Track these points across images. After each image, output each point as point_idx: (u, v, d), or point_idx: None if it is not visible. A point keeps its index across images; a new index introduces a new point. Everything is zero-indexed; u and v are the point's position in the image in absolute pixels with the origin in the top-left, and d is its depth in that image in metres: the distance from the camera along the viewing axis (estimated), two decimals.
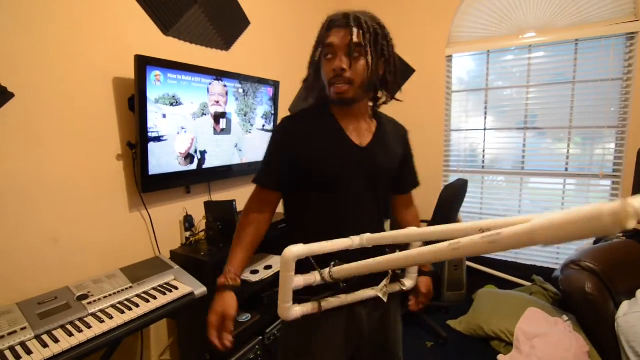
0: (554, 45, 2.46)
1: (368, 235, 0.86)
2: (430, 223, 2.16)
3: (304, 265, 0.84)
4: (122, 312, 1.18)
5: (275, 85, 2.23)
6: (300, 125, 0.99)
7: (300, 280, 0.84)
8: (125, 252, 1.57)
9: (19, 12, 1.21)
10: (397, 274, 1.01)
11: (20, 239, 1.25)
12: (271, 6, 2.36)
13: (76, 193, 1.40)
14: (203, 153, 1.81)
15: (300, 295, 0.86)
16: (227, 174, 2.00)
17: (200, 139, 1.78)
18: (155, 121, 1.53)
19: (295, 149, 0.96)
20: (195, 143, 1.75)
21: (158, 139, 1.56)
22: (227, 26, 2.02)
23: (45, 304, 1.17)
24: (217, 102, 1.85)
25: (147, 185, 1.57)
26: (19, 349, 0.98)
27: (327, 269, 0.84)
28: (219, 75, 1.82)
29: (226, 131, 1.94)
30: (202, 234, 1.84)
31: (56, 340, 1.02)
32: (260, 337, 1.96)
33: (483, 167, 2.82)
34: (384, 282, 0.92)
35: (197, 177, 1.82)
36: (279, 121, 2.28)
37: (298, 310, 0.87)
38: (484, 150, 2.81)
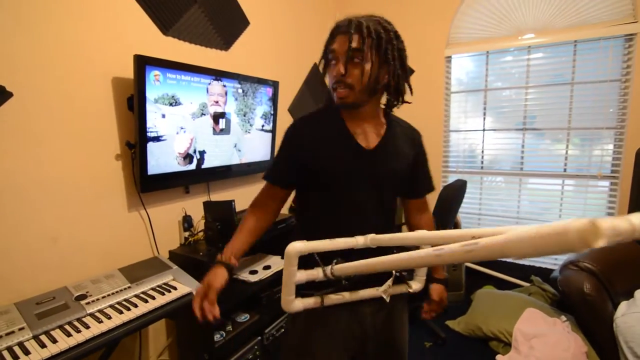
0: (553, 46, 2.47)
1: (372, 235, 0.87)
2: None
3: (309, 262, 0.87)
4: (121, 313, 1.18)
5: (275, 85, 2.23)
6: (309, 126, 1.02)
7: (303, 275, 0.87)
8: (124, 252, 1.57)
9: (19, 11, 1.21)
10: (403, 276, 1.01)
11: (19, 239, 1.25)
12: (270, 6, 2.36)
13: (75, 193, 1.40)
14: (202, 153, 1.81)
15: (304, 290, 0.91)
16: (226, 174, 2.00)
17: (200, 139, 1.78)
18: (155, 121, 1.53)
19: (302, 150, 0.99)
20: (194, 143, 1.75)
21: (157, 138, 1.55)
22: (226, 26, 2.02)
23: (43, 304, 1.17)
24: (217, 102, 1.85)
25: (146, 185, 1.56)
26: (17, 349, 0.98)
27: (330, 266, 0.86)
28: (218, 75, 1.82)
29: (225, 131, 1.93)
30: (201, 234, 1.84)
31: (54, 341, 1.02)
32: (259, 338, 1.96)
33: (482, 167, 2.83)
34: (388, 282, 0.91)
35: (196, 177, 1.82)
36: (278, 121, 2.30)
37: (300, 304, 0.90)
38: (482, 151, 2.81)
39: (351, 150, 0.98)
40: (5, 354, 0.95)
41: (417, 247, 0.91)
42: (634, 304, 1.63)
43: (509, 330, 2.02)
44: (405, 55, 0.97)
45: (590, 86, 2.40)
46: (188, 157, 1.73)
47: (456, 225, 2.62)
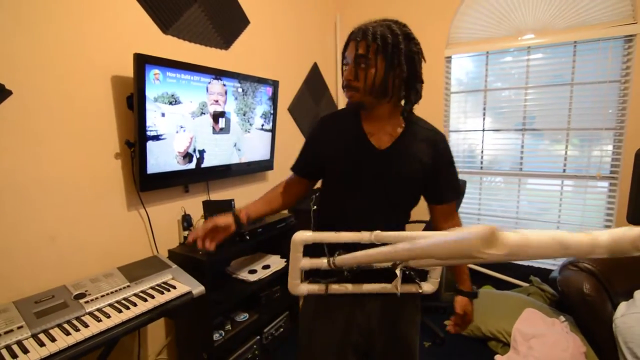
0: (553, 47, 2.47)
1: (377, 232, 0.88)
2: (428, 223, 2.16)
3: (316, 251, 0.95)
4: (120, 311, 1.18)
5: (275, 84, 2.23)
6: (329, 124, 1.11)
7: (307, 262, 0.95)
8: (123, 251, 1.56)
9: (18, 10, 1.21)
10: (412, 275, 1.00)
11: (18, 237, 1.25)
12: (271, 5, 2.36)
13: (74, 191, 1.39)
14: (202, 152, 1.81)
15: (311, 277, 1.01)
16: (225, 173, 1.99)
17: (199, 138, 1.78)
18: (154, 120, 1.53)
19: (320, 145, 1.09)
20: (194, 142, 1.75)
21: (157, 137, 1.55)
22: (226, 25, 2.02)
23: (42, 303, 1.17)
24: (216, 101, 1.84)
25: (146, 184, 1.56)
26: (15, 347, 0.97)
27: (332, 257, 0.93)
28: (218, 74, 1.82)
29: (225, 130, 1.93)
30: None
31: (53, 339, 1.02)
32: (258, 337, 1.96)
33: (481, 168, 2.83)
34: (397, 279, 0.93)
35: (195, 176, 1.82)
36: (277, 121, 2.30)
37: (304, 288, 1.00)
38: (482, 151, 2.81)
39: (363, 149, 1.02)
40: (4, 352, 0.95)
41: None
42: (634, 305, 1.63)
43: (508, 331, 2.03)
44: (418, 57, 0.96)
45: (590, 87, 2.40)
46: (188, 156, 1.73)
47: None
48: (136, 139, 1.49)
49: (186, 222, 1.80)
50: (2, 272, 1.22)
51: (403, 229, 1.09)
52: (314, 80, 2.89)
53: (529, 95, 2.59)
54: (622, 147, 2.31)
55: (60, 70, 1.33)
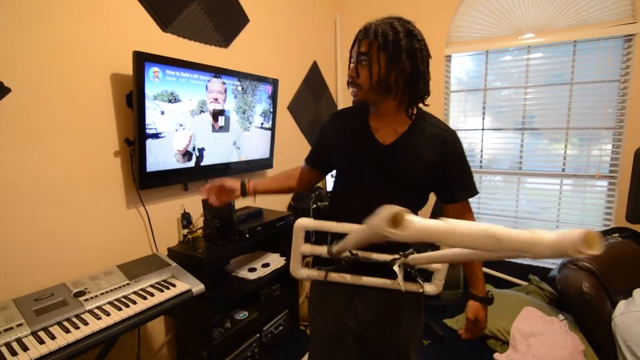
0: (553, 46, 2.47)
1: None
2: None
3: (321, 240, 1.02)
4: (119, 309, 1.17)
5: (274, 83, 2.23)
6: (338, 119, 1.15)
7: (308, 248, 1.01)
8: (123, 249, 1.56)
9: (18, 8, 1.20)
10: (412, 274, 1.00)
11: (17, 236, 1.24)
12: (270, 3, 2.35)
13: (73, 189, 1.39)
14: (201, 150, 1.81)
15: (317, 265, 1.07)
16: (225, 171, 1.99)
17: (199, 136, 1.77)
18: (154, 118, 1.52)
19: (328, 139, 1.14)
20: (193, 140, 1.75)
21: (156, 135, 1.55)
22: (226, 23, 2.02)
23: (41, 301, 1.17)
24: (216, 99, 1.84)
25: (145, 182, 1.56)
26: (15, 345, 0.97)
27: (331, 246, 0.97)
28: (218, 72, 1.82)
29: (224, 129, 1.93)
30: (200, 231, 1.83)
31: (52, 337, 1.02)
32: (258, 335, 1.96)
33: (481, 167, 2.83)
34: (399, 277, 0.93)
35: (195, 174, 1.82)
36: (277, 119, 2.30)
37: (304, 272, 1.05)
38: (481, 150, 2.82)
39: (367, 144, 1.04)
40: (4, 350, 0.95)
41: (433, 246, 0.92)
42: (633, 303, 1.63)
43: (507, 329, 2.03)
44: (420, 54, 0.95)
45: (589, 86, 2.40)
46: (187, 155, 1.73)
47: None
48: (135, 137, 1.49)
49: (185, 220, 1.80)
50: (2, 270, 1.21)
51: None
52: (314, 78, 2.88)
53: (529, 94, 2.59)
54: (621, 147, 2.32)
55: (59, 68, 1.32)
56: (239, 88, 1.98)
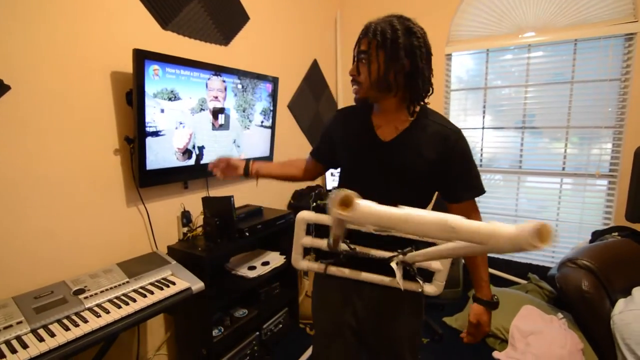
0: (553, 45, 2.47)
1: None
2: None
3: (322, 234, 1.03)
4: (119, 307, 1.18)
5: (275, 81, 2.22)
6: (343, 115, 1.17)
7: (308, 240, 1.03)
8: (122, 247, 1.56)
9: (16, 6, 1.20)
10: (412, 273, 0.99)
11: (16, 234, 1.24)
12: (270, 1, 2.35)
13: (73, 187, 1.39)
14: (201, 148, 1.80)
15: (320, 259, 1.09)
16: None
17: (199, 135, 1.77)
18: (153, 116, 1.52)
19: (333, 135, 1.17)
20: (193, 138, 1.74)
21: (156, 133, 1.55)
22: (226, 21, 2.01)
23: (41, 298, 1.17)
24: (216, 97, 1.84)
25: (145, 180, 1.56)
26: (14, 343, 0.98)
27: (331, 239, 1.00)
28: (218, 70, 1.81)
29: (224, 127, 1.93)
30: (200, 229, 1.84)
31: (52, 335, 1.02)
32: (257, 333, 1.96)
33: (481, 165, 2.83)
34: (399, 274, 0.93)
35: (194, 172, 1.81)
36: (277, 118, 2.30)
37: (305, 264, 1.08)
38: (482, 149, 2.81)
39: (368, 141, 1.05)
40: (4, 347, 0.95)
41: (430, 243, 0.92)
42: (632, 302, 1.64)
43: (506, 327, 2.03)
44: (420, 51, 0.95)
45: (590, 85, 2.40)
46: (187, 153, 1.73)
47: None
48: (135, 135, 1.49)
49: (185, 218, 1.80)
50: (2, 268, 1.21)
51: None
52: (314, 77, 2.88)
53: (529, 93, 2.58)
54: (621, 146, 2.32)
55: (59, 66, 1.32)
56: (239, 86, 1.97)
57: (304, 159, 1.30)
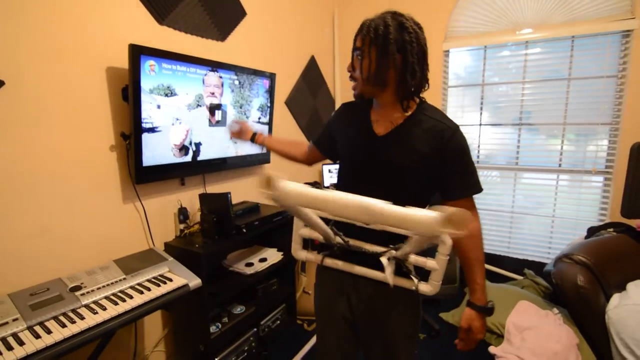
0: (551, 41, 2.47)
1: None
2: None
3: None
4: (116, 304, 1.17)
5: (272, 77, 2.21)
6: (345, 109, 1.20)
7: (307, 231, 1.06)
8: (119, 244, 1.56)
9: (10, 1, 1.18)
10: (404, 269, 0.99)
11: (12, 230, 1.23)
12: None
13: (69, 184, 1.38)
14: (198, 145, 1.80)
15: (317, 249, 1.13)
16: (222, 166, 1.99)
17: (195, 131, 1.76)
18: (150, 112, 1.51)
19: (334, 127, 1.21)
20: (190, 134, 1.74)
21: (152, 130, 1.54)
22: (223, 16, 1.99)
23: (37, 295, 1.16)
24: (213, 93, 1.83)
25: (141, 177, 1.55)
26: (10, 340, 0.97)
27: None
28: (215, 66, 1.80)
29: (221, 123, 1.92)
30: (197, 226, 1.83)
31: (49, 332, 1.01)
32: (255, 329, 1.97)
33: (478, 162, 2.83)
34: (389, 270, 0.93)
35: (191, 169, 1.81)
36: (274, 114, 2.29)
37: (303, 254, 1.11)
38: (479, 146, 2.82)
39: (364, 134, 1.07)
40: None
41: (431, 249, 0.93)
42: (626, 296, 1.65)
43: (502, 323, 2.05)
44: (411, 46, 0.95)
45: (587, 82, 2.40)
46: (184, 149, 1.72)
47: None
48: (131, 131, 1.48)
49: (182, 215, 1.79)
50: None
51: None
52: (312, 73, 2.87)
53: (526, 90, 2.59)
54: (617, 142, 2.33)
55: (53, 61, 1.30)
56: (236, 82, 1.96)
57: (307, 144, 1.36)
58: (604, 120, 2.38)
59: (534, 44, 2.52)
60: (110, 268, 1.38)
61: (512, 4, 2.51)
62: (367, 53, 0.97)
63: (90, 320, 1.08)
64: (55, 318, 1.08)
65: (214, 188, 2.03)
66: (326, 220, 0.99)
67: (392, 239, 0.93)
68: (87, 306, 1.15)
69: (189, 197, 1.86)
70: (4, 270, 1.22)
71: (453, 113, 2.87)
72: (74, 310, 1.12)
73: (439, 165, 0.98)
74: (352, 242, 1.01)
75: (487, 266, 2.77)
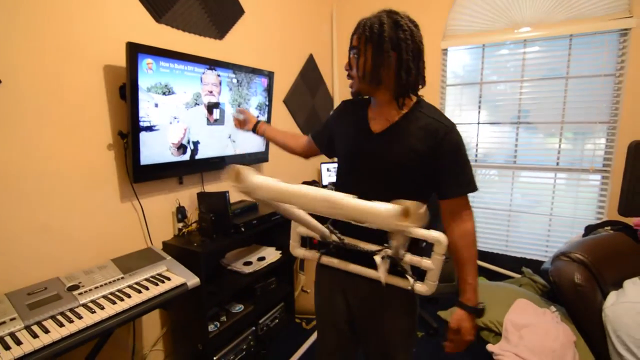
0: (549, 40, 2.47)
1: None
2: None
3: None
4: (114, 303, 1.17)
5: (270, 75, 2.21)
6: (345, 107, 1.21)
7: (304, 229, 1.08)
8: (117, 243, 1.55)
9: None
10: (399, 269, 0.99)
11: (9, 230, 1.23)
12: None
13: (66, 183, 1.38)
14: (196, 143, 1.79)
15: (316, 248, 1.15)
16: (220, 165, 1.98)
17: (193, 129, 1.76)
18: (147, 110, 1.50)
19: (333, 123, 1.22)
20: (188, 133, 1.73)
21: (150, 128, 1.53)
22: (220, 14, 1.99)
23: (35, 295, 1.16)
24: (211, 92, 1.82)
25: (139, 176, 1.54)
26: (8, 339, 0.97)
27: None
28: (213, 64, 1.80)
29: (219, 122, 1.91)
30: (195, 225, 1.83)
31: (46, 331, 1.01)
32: (253, 328, 1.97)
33: (476, 161, 2.84)
34: (382, 269, 0.93)
35: (189, 167, 1.80)
36: (273, 112, 2.29)
37: (301, 252, 1.14)
38: (477, 144, 2.82)
39: (361, 131, 1.08)
40: None
41: (426, 247, 0.93)
42: (623, 294, 1.66)
43: (500, 321, 2.05)
44: (405, 44, 0.95)
45: (585, 80, 2.41)
46: (182, 148, 1.71)
47: None
48: (129, 130, 1.47)
49: (180, 214, 1.79)
50: None
51: None
52: (310, 72, 2.86)
53: (524, 88, 2.59)
54: (615, 141, 2.33)
55: (51, 60, 1.30)
56: (234, 80, 1.96)
57: (306, 137, 1.37)
58: (601, 119, 2.39)
59: (532, 42, 2.52)
60: (108, 267, 1.38)
61: (510, 3, 2.51)
62: (363, 51, 0.98)
63: (88, 319, 1.08)
64: (53, 317, 1.07)
65: (212, 187, 2.03)
66: (323, 219, 0.99)
67: (387, 238, 0.94)
68: (85, 305, 1.15)
69: (187, 196, 1.86)
70: (2, 270, 1.22)
71: (451, 111, 2.87)
72: (71, 310, 1.12)
73: (433, 163, 0.98)
74: (348, 240, 1.01)
75: (485, 264, 2.78)
